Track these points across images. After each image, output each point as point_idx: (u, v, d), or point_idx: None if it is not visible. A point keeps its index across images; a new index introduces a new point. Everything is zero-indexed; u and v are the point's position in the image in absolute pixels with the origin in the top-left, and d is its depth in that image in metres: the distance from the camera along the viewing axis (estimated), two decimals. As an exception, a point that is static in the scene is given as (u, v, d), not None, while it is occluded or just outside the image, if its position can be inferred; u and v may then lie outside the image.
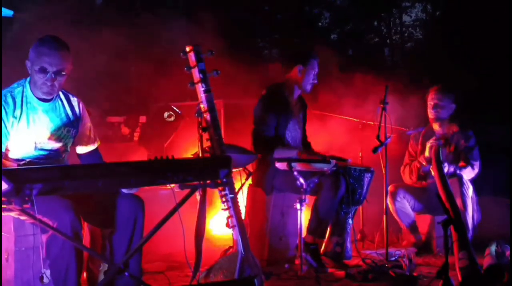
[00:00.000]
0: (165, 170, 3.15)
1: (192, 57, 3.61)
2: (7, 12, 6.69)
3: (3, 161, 3.57)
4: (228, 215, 3.64)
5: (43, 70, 3.51)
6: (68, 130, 3.72)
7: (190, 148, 6.73)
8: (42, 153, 3.63)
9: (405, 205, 5.45)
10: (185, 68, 3.59)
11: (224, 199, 3.69)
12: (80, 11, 7.21)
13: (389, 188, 5.35)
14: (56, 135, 3.66)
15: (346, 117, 6.09)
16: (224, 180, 3.41)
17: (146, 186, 3.29)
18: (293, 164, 4.48)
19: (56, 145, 3.67)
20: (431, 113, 5.45)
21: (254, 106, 5.23)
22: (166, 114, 6.65)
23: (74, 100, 3.80)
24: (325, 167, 4.58)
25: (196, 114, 3.62)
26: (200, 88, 3.62)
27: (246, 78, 7.06)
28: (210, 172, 3.31)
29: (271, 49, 21.08)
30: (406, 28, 24.03)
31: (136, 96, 6.64)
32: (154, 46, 7.38)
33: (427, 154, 5.24)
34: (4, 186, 2.69)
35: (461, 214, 4.64)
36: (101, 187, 3.00)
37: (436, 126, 5.51)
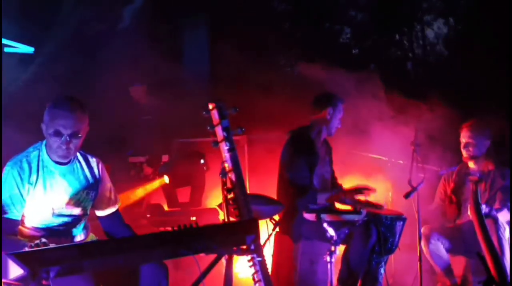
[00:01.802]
0: (188, 239, 3.01)
1: (215, 115, 3.45)
2: (27, 49, 6.61)
3: (20, 228, 3.43)
4: (256, 279, 3.46)
5: (57, 134, 3.36)
6: (88, 193, 3.57)
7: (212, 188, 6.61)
8: (60, 219, 3.48)
9: (440, 247, 5.21)
10: (208, 128, 3.43)
11: (251, 263, 3.52)
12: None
13: (422, 230, 5.12)
14: (74, 199, 3.51)
15: (374, 156, 5.88)
16: (252, 246, 3.26)
17: (169, 258, 3.13)
18: (322, 215, 4.28)
19: (75, 210, 3.52)
20: (463, 152, 5.23)
21: (281, 144, 5.08)
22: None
23: (93, 161, 3.65)
24: (355, 217, 4.38)
25: (221, 175, 3.45)
26: (224, 147, 3.45)
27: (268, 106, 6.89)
28: (236, 238, 3.17)
29: (293, 67, 20.94)
30: (429, 43, 23.71)
31: (158, 135, 6.49)
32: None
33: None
34: (19, 271, 2.54)
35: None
36: (123, 263, 2.86)
37: (471, 164, 5.28)
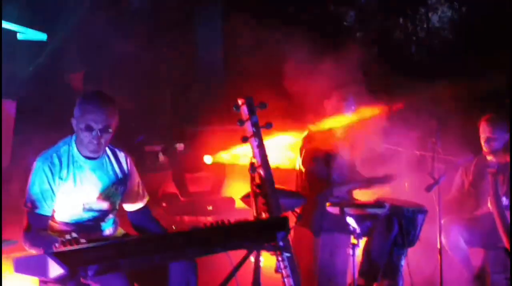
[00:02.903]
0: (221, 237, 3.02)
1: (244, 110, 3.45)
2: (40, 35, 6.56)
3: (50, 222, 3.43)
4: (285, 275, 3.48)
5: (88, 128, 3.36)
6: (116, 188, 3.57)
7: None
8: (90, 213, 3.49)
9: (459, 239, 5.21)
10: (238, 123, 3.43)
11: (280, 258, 3.54)
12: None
13: (443, 222, 5.12)
14: (104, 194, 3.51)
15: (390, 147, 5.85)
16: (281, 243, 3.28)
17: (202, 256, 3.14)
18: (345, 209, 4.30)
19: (104, 205, 3.52)
20: (484, 147, 5.21)
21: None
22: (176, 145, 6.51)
23: (122, 156, 3.64)
24: (379, 211, 4.39)
25: (250, 171, 3.45)
26: (254, 143, 3.45)
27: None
28: (266, 235, 3.18)
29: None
30: (433, 26, 23.56)
31: (173, 123, 6.47)
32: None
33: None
34: (59, 270, 2.55)
35: None
36: (157, 261, 2.88)
37: (489, 157, 5.27)
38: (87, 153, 3.45)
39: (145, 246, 2.80)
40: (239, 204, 6.53)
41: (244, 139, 3.45)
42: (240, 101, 3.45)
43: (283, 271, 3.52)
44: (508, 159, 5.23)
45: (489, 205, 4.86)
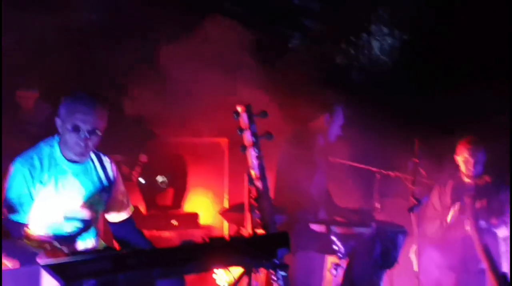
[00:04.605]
0: (223, 252, 2.80)
1: (244, 118, 3.24)
2: None
3: (27, 231, 3.11)
4: (279, 295, 3.28)
5: (76, 129, 3.08)
6: (101, 195, 3.28)
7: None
8: (71, 223, 3.19)
9: (431, 262, 5.13)
10: (238, 131, 3.22)
11: (274, 278, 3.34)
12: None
13: (415, 247, 5.01)
14: (88, 202, 3.22)
15: (362, 166, 5.73)
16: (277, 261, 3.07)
17: (202, 272, 2.90)
18: (332, 227, 4.14)
19: (87, 213, 3.23)
20: (469, 171, 5.12)
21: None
22: (160, 179, 6.26)
23: (107, 161, 3.37)
24: (365, 230, 4.26)
25: (249, 183, 3.24)
26: (252, 153, 3.24)
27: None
28: (267, 251, 2.97)
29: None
30: (374, 53, 24.00)
31: (137, 133, 6.16)
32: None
33: (449, 219, 4.98)
34: (53, 284, 2.27)
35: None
36: (155, 276, 2.63)
37: (467, 179, 5.21)
38: (71, 156, 3.16)
39: (145, 260, 2.55)
40: (204, 219, 6.30)
41: (243, 149, 3.25)
42: (240, 109, 3.25)
43: (277, 291, 3.33)
44: (487, 179, 5.18)
45: (467, 228, 4.80)
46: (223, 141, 6.40)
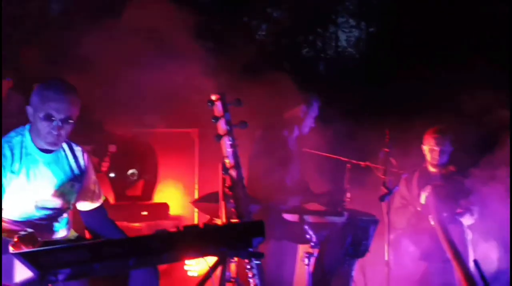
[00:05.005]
0: (199, 241, 2.78)
1: (218, 107, 3.23)
2: None
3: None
4: (252, 284, 3.29)
5: (48, 118, 3.02)
6: (72, 185, 3.23)
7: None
8: (43, 212, 3.14)
9: (406, 252, 5.17)
10: (212, 120, 3.21)
11: (248, 266, 3.34)
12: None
13: (392, 236, 5.05)
14: (59, 191, 3.17)
15: (332, 156, 5.75)
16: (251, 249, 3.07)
17: (179, 260, 2.89)
18: (305, 216, 4.15)
19: (58, 202, 3.18)
20: (434, 159, 5.18)
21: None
22: (130, 171, 6.19)
23: (78, 150, 3.32)
24: (338, 219, 4.28)
25: (223, 172, 3.23)
26: (227, 142, 3.23)
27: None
28: (242, 240, 2.97)
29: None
30: (341, 44, 24.08)
31: (106, 122, 6.06)
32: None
33: (423, 201, 5.01)
34: (27, 273, 2.23)
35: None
36: (132, 266, 2.60)
37: (432, 169, 5.26)
38: (43, 145, 3.11)
39: (120, 249, 2.52)
40: (174, 210, 6.27)
41: (218, 138, 3.23)
42: (214, 97, 3.23)
43: (251, 280, 3.34)
44: (451, 168, 5.24)
45: (430, 218, 4.85)
46: (193, 131, 6.37)
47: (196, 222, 6.07)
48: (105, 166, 6.02)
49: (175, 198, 6.30)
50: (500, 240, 5.21)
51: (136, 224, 5.85)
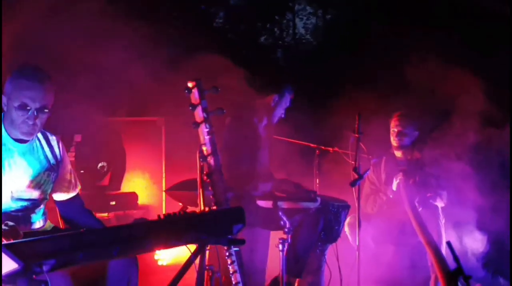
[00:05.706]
0: (179, 229, 2.78)
1: (195, 94, 3.21)
2: None
3: None
4: (231, 270, 3.31)
5: (23, 107, 2.97)
6: (48, 175, 3.18)
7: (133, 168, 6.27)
8: (19, 203, 3.09)
9: (367, 237, 5.23)
10: (190, 107, 3.19)
11: (227, 253, 3.35)
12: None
13: (349, 220, 5.09)
14: (35, 181, 3.12)
15: (302, 142, 5.79)
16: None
17: (159, 248, 2.86)
18: (279, 203, 4.16)
19: (35, 193, 3.13)
20: (394, 141, 5.26)
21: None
22: (100, 164, 6.12)
23: (53, 139, 3.27)
24: (311, 205, 4.30)
25: (201, 159, 3.22)
26: (204, 129, 3.22)
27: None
28: (222, 228, 2.97)
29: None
30: (299, 32, 24.16)
31: (71, 111, 5.95)
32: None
33: (395, 188, 5.07)
34: (13, 265, 2.19)
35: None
36: (115, 255, 2.57)
37: (398, 154, 5.34)
38: (18, 135, 3.05)
39: (104, 238, 2.51)
40: (142, 199, 6.22)
41: (195, 125, 3.22)
42: (190, 84, 3.21)
43: (230, 267, 3.36)
44: (417, 155, 5.32)
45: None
46: (159, 120, 6.32)
47: (164, 211, 6.05)
48: (70, 156, 5.93)
49: (143, 187, 6.25)
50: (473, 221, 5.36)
51: (104, 214, 5.79)
